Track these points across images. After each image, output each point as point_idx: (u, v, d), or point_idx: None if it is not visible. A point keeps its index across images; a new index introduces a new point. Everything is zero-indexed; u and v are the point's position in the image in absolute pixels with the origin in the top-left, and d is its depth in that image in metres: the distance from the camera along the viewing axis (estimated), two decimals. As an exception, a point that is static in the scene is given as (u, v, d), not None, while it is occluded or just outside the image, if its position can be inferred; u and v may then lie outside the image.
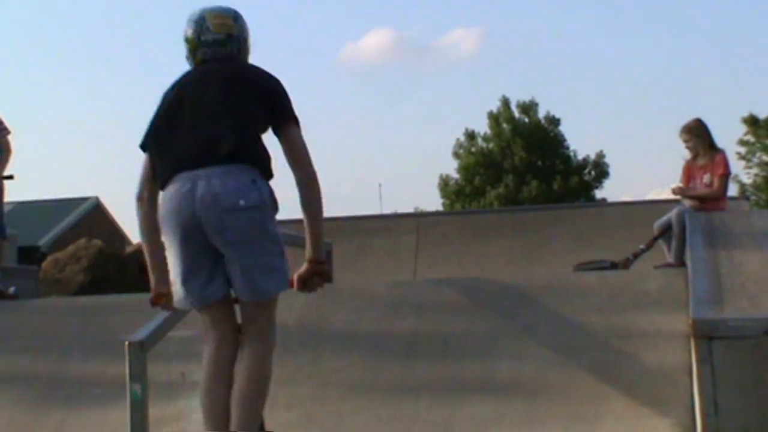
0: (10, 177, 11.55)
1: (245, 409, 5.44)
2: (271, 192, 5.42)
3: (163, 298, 5.80)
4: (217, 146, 5.29)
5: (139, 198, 5.64)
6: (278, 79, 5.58)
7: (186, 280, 5.44)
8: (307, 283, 5.60)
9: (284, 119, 5.47)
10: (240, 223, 5.24)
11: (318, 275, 5.57)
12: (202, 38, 5.66)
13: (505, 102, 55.98)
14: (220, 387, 5.53)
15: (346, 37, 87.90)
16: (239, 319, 5.65)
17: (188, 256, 5.36)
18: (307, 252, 5.51)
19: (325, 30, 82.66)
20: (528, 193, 52.01)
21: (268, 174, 5.45)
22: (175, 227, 5.34)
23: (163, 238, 5.47)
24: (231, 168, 5.26)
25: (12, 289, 11.24)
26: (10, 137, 11.26)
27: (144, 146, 5.64)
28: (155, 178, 5.54)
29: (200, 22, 5.66)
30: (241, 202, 5.21)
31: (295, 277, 5.57)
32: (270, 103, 5.48)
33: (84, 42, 79.92)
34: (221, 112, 5.39)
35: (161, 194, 5.45)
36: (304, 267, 5.55)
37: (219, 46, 5.67)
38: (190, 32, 5.68)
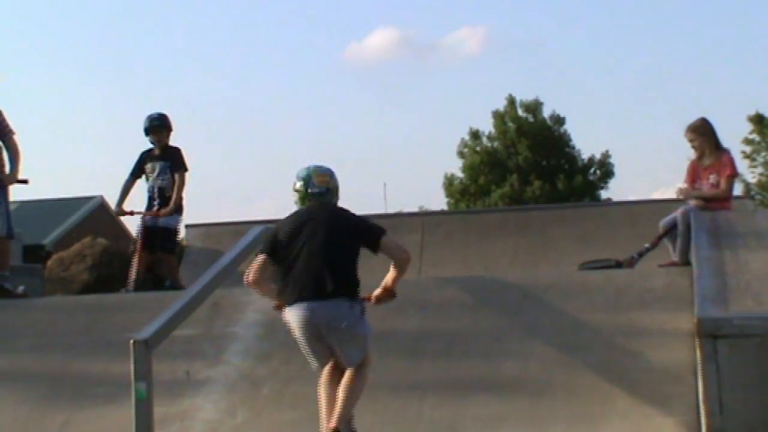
0: (25, 181, 11.60)
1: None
2: (361, 305, 7.61)
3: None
4: (327, 284, 7.50)
5: (251, 282, 7.71)
6: (359, 216, 7.97)
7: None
8: (379, 302, 7.78)
9: (376, 240, 7.75)
10: (344, 335, 7.51)
11: (390, 297, 7.78)
12: (309, 191, 7.87)
13: (511, 101, 55.90)
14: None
15: (350, 36, 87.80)
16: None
17: (315, 343, 7.61)
18: (387, 282, 7.74)
19: (329, 29, 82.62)
20: (532, 193, 51.92)
21: (358, 293, 7.63)
22: (304, 332, 7.57)
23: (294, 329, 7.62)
24: (337, 301, 7.48)
25: (21, 288, 11.24)
26: (15, 138, 11.29)
27: (266, 252, 7.73)
28: (266, 273, 7.73)
29: (307, 179, 7.88)
30: (344, 324, 7.44)
31: (372, 295, 7.74)
32: (361, 235, 7.77)
33: (89, 40, 79.95)
34: (331, 261, 7.60)
35: (289, 308, 7.57)
36: (380, 290, 7.75)
37: (321, 196, 7.87)
38: (299, 185, 7.89)
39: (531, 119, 55.64)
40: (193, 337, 9.22)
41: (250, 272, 7.71)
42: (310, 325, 7.51)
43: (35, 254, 25.82)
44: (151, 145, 12.62)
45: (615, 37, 77.29)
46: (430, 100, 76.87)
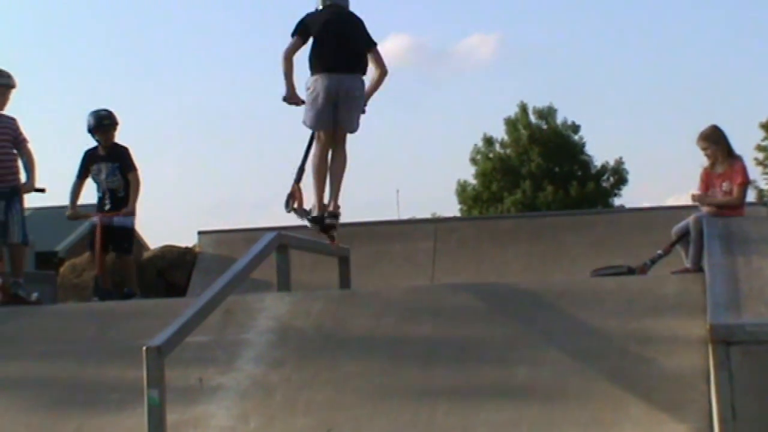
0: (42, 190, 11.64)
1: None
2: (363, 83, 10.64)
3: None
4: (353, 60, 10.50)
5: (286, 57, 10.56)
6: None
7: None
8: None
9: (374, 45, 10.70)
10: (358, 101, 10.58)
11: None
12: None
13: (523, 108, 55.94)
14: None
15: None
16: None
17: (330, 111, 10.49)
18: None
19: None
20: (544, 199, 51.93)
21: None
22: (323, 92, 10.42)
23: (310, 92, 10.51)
24: (357, 77, 10.52)
25: (35, 295, 11.25)
26: (30, 146, 11.34)
27: (295, 32, 10.55)
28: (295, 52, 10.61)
29: None
30: (357, 94, 10.50)
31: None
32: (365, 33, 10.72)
33: (103, 44, 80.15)
34: (354, 43, 10.54)
35: (321, 80, 10.40)
36: None
37: None
38: None
39: (544, 126, 55.65)
40: (205, 344, 9.21)
41: (287, 50, 10.58)
42: (335, 92, 10.40)
43: (48, 261, 25.85)
44: (94, 144, 12.44)
45: (627, 44, 77.33)
46: (443, 107, 77.13)
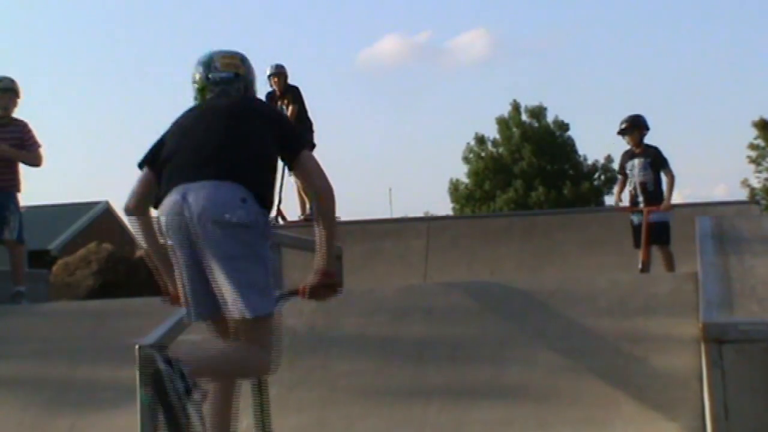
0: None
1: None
2: (264, 216, 5.40)
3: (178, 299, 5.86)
4: (212, 162, 5.33)
5: (126, 209, 5.75)
6: (283, 113, 5.49)
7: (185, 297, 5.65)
8: (316, 293, 5.63)
9: (296, 148, 5.55)
10: (228, 239, 5.24)
11: (328, 287, 5.60)
12: (210, 76, 5.76)
13: (515, 106, 55.98)
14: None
15: (360, 43, 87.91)
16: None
17: (185, 272, 5.49)
18: (317, 263, 5.50)
19: (337, 36, 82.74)
20: (536, 198, 51.96)
21: (265, 202, 5.43)
22: (174, 240, 5.43)
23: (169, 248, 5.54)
24: (221, 183, 5.27)
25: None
26: (41, 150, 11.34)
27: (141, 164, 5.74)
28: (148, 194, 5.65)
29: (208, 63, 5.78)
30: (227, 216, 5.21)
31: (301, 287, 5.60)
32: (279, 134, 5.55)
33: (94, 46, 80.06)
34: (224, 136, 5.47)
35: (160, 208, 5.48)
36: (312, 277, 5.55)
37: (227, 84, 5.75)
38: (198, 73, 5.80)
39: (535, 125, 55.72)
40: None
41: (129, 196, 5.76)
42: (177, 223, 5.33)
43: (41, 260, 25.82)
44: None
45: (618, 43, 77.33)
46: (435, 106, 77.14)
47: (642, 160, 12.34)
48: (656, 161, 12.32)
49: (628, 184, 12.53)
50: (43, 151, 11.33)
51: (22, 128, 11.26)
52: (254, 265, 5.29)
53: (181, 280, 5.53)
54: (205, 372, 5.35)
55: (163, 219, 5.40)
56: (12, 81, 11.34)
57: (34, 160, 11.27)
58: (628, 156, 12.52)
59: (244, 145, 5.42)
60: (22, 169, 11.30)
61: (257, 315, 5.33)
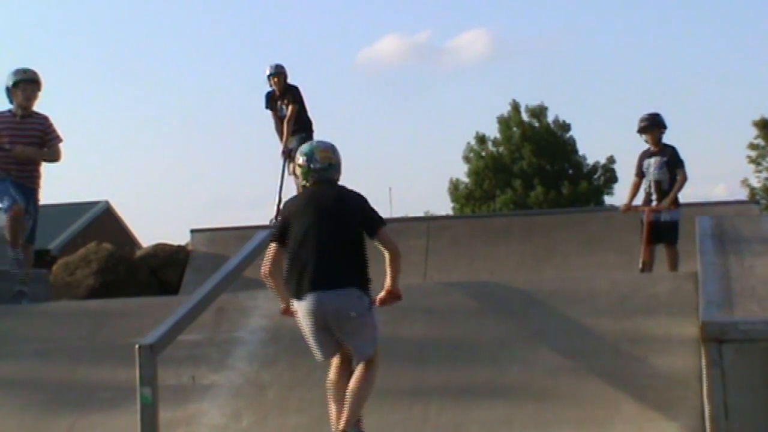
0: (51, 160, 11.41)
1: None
2: (369, 296, 7.60)
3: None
4: (334, 275, 7.53)
5: (264, 274, 7.73)
6: (363, 198, 7.90)
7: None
8: (384, 303, 7.77)
9: (377, 227, 7.77)
10: (353, 325, 7.52)
11: (394, 299, 7.78)
12: (311, 166, 7.82)
13: (515, 106, 55.90)
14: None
15: (360, 43, 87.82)
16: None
17: (317, 334, 7.58)
18: (388, 284, 7.74)
19: (337, 36, 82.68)
20: (536, 198, 51.90)
21: (368, 280, 7.66)
22: (311, 323, 7.54)
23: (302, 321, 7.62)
24: (345, 291, 7.52)
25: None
26: (61, 145, 11.33)
27: (272, 241, 7.80)
28: (279, 262, 7.73)
29: (310, 156, 7.85)
30: (353, 314, 7.45)
31: (377, 298, 7.69)
32: (363, 219, 7.76)
33: (94, 45, 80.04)
34: (339, 248, 7.62)
35: (300, 301, 7.55)
36: (384, 294, 7.74)
37: (324, 171, 7.85)
38: (302, 161, 7.87)
39: (536, 124, 55.66)
40: (198, 342, 9.22)
41: (265, 263, 7.77)
42: (318, 315, 7.49)
43: (41, 259, 25.79)
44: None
45: (619, 43, 77.27)
46: (435, 105, 77.02)
47: (659, 158, 12.31)
48: (672, 160, 12.29)
49: (643, 183, 12.47)
50: (61, 146, 11.33)
51: (43, 121, 11.24)
52: (368, 329, 7.56)
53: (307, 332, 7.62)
54: (359, 411, 7.41)
55: (302, 313, 7.54)
56: (35, 72, 11.30)
57: (53, 156, 11.26)
58: (645, 155, 12.49)
59: (351, 252, 7.66)
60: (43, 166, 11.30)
61: (372, 355, 7.55)
